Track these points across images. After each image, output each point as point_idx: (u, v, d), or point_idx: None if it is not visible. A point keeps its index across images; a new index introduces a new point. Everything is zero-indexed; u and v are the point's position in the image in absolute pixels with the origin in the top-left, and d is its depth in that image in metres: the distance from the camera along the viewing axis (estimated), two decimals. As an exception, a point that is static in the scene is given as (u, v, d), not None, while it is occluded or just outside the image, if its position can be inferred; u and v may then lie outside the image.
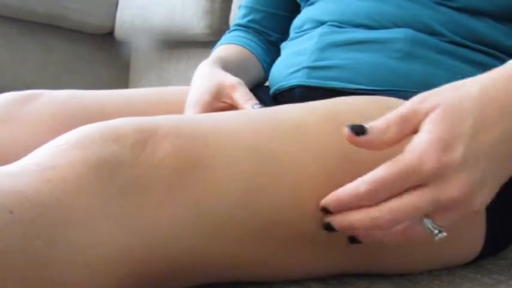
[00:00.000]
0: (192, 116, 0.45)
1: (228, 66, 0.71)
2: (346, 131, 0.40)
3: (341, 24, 0.65)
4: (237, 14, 0.91)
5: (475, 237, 0.52)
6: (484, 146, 0.39)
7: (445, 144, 0.38)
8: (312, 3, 0.72)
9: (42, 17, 1.96)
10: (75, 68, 2.09)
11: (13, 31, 1.98)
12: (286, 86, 0.67)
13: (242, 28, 0.87)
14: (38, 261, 0.33)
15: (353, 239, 0.43)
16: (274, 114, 0.47)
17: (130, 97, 0.69)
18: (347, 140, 0.41)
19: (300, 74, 0.65)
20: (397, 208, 0.39)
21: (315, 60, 0.64)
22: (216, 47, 0.85)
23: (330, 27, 0.65)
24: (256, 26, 0.86)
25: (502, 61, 0.61)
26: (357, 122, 0.47)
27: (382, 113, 0.49)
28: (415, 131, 0.40)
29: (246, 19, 0.87)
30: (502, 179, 0.41)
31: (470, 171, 0.38)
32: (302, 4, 0.76)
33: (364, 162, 0.44)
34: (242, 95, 0.60)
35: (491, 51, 0.60)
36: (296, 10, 0.78)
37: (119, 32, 2.04)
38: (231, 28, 0.89)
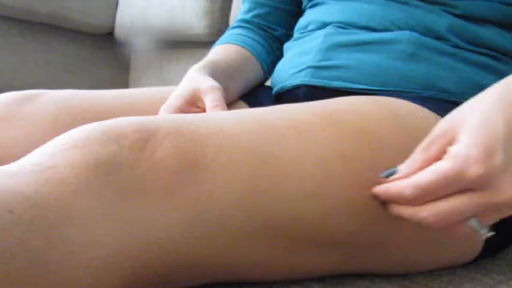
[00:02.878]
0: (192, 116, 0.45)
1: (220, 70, 0.70)
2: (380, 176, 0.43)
3: (346, 25, 0.65)
4: (237, 14, 0.88)
5: (475, 237, 0.52)
6: None
7: (487, 149, 0.38)
8: (316, 5, 0.72)
9: (42, 17, 1.96)
10: (75, 68, 2.09)
11: (13, 31, 1.98)
12: (290, 85, 0.67)
13: (245, 25, 0.84)
14: (37, 261, 0.33)
15: None
16: (274, 114, 0.46)
17: (131, 97, 0.69)
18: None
19: (304, 73, 0.65)
20: (443, 211, 0.40)
21: (320, 60, 0.64)
22: (215, 45, 0.83)
23: (335, 28, 0.65)
24: (261, 22, 0.84)
25: (506, 63, 0.61)
26: (357, 122, 0.47)
27: (383, 114, 0.49)
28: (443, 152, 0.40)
29: (250, 14, 0.84)
30: None
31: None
32: (304, 3, 0.75)
33: (365, 163, 0.44)
34: (211, 101, 0.60)
35: (496, 54, 0.60)
36: (302, 5, 0.77)
37: (118, 32, 2.04)
38: (234, 23, 0.86)
